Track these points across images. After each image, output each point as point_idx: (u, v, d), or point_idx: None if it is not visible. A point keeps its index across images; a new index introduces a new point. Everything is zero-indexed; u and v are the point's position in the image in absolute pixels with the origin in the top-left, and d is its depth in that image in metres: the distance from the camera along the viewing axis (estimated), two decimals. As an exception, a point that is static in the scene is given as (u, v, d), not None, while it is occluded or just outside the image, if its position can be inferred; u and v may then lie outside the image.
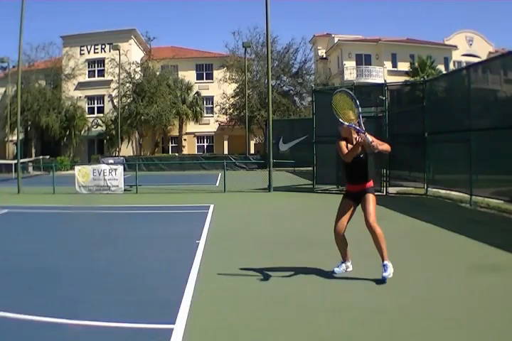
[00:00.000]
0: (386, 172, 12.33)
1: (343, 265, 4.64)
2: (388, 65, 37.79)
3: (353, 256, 4.72)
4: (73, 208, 10.92)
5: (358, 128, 4.26)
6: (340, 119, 4.37)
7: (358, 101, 4.35)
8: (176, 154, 36.04)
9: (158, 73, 36.03)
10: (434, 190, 11.49)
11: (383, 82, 15.40)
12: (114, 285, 4.45)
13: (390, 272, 4.27)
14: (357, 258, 4.78)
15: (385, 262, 4.31)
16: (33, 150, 36.42)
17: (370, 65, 37.99)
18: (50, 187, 14.22)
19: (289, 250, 5.92)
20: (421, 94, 12.16)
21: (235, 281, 4.49)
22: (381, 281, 4.24)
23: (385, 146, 4.35)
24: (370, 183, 4.55)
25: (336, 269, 4.59)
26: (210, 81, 38.89)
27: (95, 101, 38.53)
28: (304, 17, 78.56)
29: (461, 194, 10.35)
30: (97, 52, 37.98)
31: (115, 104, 35.93)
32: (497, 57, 12.62)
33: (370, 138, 4.21)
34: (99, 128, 37.05)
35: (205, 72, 40.02)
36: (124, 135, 35.09)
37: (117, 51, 33.56)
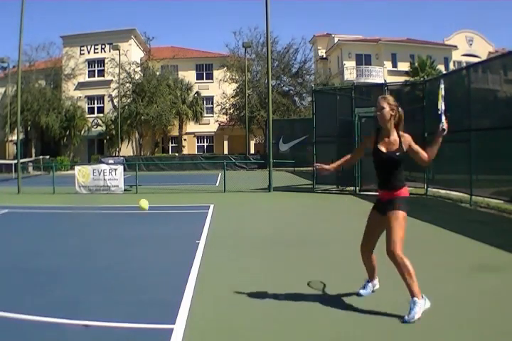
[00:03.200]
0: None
1: (370, 285, 3.98)
2: (388, 65, 37.80)
3: (357, 252, 4.67)
4: (73, 208, 10.92)
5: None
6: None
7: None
8: (176, 154, 36.04)
9: (158, 73, 36.04)
10: (434, 190, 11.49)
11: (383, 82, 15.41)
12: (114, 285, 4.45)
13: (413, 314, 3.32)
14: (360, 256, 4.76)
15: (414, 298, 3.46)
16: (33, 150, 36.43)
17: (370, 65, 38.01)
18: (50, 187, 14.22)
19: (289, 250, 5.91)
20: (421, 94, 12.16)
21: (235, 281, 4.48)
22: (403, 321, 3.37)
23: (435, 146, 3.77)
24: (401, 192, 3.74)
25: (362, 291, 3.91)
26: (210, 81, 38.91)
27: (95, 101, 38.54)
28: (304, 17, 78.62)
29: (461, 194, 10.35)
30: (97, 52, 38.00)
31: (115, 104, 35.94)
32: (497, 57, 12.62)
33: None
34: (99, 128, 37.07)
35: (205, 72, 40.03)
36: (124, 135, 35.10)
37: (117, 51, 33.57)
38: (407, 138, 3.73)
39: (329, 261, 5.22)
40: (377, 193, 3.88)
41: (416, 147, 3.72)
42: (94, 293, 4.14)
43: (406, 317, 3.31)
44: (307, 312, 3.58)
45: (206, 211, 9.61)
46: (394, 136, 3.73)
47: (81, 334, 3.22)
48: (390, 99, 3.74)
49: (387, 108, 3.71)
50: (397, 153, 3.67)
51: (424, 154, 3.73)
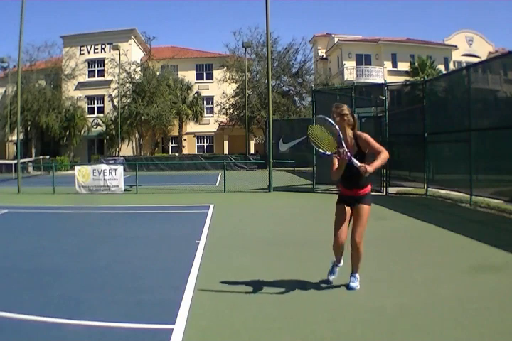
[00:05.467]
0: (386, 172, 12.33)
1: (337, 268, 4.41)
2: (388, 64, 37.79)
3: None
4: (73, 208, 10.92)
5: (343, 154, 3.90)
6: (320, 150, 4.00)
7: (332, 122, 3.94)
8: (176, 154, 36.06)
9: (158, 73, 36.05)
10: (434, 190, 11.49)
11: (383, 82, 15.40)
12: (114, 285, 4.45)
13: (358, 284, 4.19)
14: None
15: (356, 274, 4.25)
16: (33, 150, 36.45)
17: (370, 65, 38.00)
18: (50, 187, 14.22)
19: (289, 250, 5.92)
20: (421, 94, 12.16)
21: (235, 281, 4.48)
22: (350, 288, 4.14)
23: (377, 163, 3.91)
24: (366, 189, 4.18)
25: (332, 277, 4.36)
26: (210, 81, 38.93)
27: (95, 101, 38.56)
28: (304, 17, 78.61)
29: (461, 194, 10.35)
30: (97, 52, 38.03)
31: (115, 104, 35.96)
32: (497, 57, 12.63)
33: (357, 162, 3.86)
34: (99, 128, 37.09)
35: (205, 72, 40.06)
36: (124, 135, 35.12)
37: (117, 51, 33.59)
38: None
39: (329, 261, 5.21)
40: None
41: None
42: (94, 293, 4.14)
43: (353, 285, 4.15)
44: (307, 312, 3.58)
45: (206, 211, 9.62)
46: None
47: (81, 334, 3.22)
48: (344, 108, 4.16)
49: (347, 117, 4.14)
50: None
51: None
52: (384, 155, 3.93)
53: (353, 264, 4.23)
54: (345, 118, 4.09)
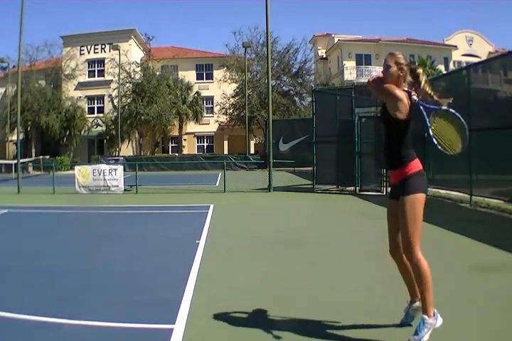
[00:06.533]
0: (386, 172, 12.33)
1: (414, 306, 3.26)
2: (388, 65, 37.79)
3: (356, 252, 4.68)
4: (73, 208, 10.92)
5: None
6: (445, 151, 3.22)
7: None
8: (176, 154, 36.06)
9: (158, 73, 36.06)
10: (434, 190, 11.48)
11: (383, 82, 15.35)
12: (114, 285, 4.44)
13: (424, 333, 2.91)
14: (359, 256, 4.76)
15: (424, 316, 2.97)
16: (33, 150, 36.45)
17: (370, 65, 38.01)
18: (50, 187, 14.21)
19: (289, 250, 5.91)
20: (421, 94, 12.15)
21: (235, 281, 4.48)
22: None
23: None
24: (410, 168, 3.04)
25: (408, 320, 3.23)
26: (210, 81, 38.95)
27: (95, 101, 38.59)
28: (304, 17, 78.65)
29: (461, 194, 10.35)
30: (97, 52, 38.06)
31: (115, 104, 35.97)
32: (497, 57, 12.62)
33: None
34: (99, 128, 37.12)
35: (205, 72, 40.08)
36: (124, 135, 35.12)
37: (117, 51, 33.59)
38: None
39: (329, 262, 5.22)
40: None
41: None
42: (94, 293, 4.14)
43: (411, 338, 2.92)
44: (308, 312, 3.58)
45: (206, 211, 9.61)
46: None
47: (81, 334, 3.22)
48: (400, 56, 3.11)
49: (394, 68, 3.09)
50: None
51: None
52: None
53: (416, 290, 3.14)
54: (400, 72, 3.10)
